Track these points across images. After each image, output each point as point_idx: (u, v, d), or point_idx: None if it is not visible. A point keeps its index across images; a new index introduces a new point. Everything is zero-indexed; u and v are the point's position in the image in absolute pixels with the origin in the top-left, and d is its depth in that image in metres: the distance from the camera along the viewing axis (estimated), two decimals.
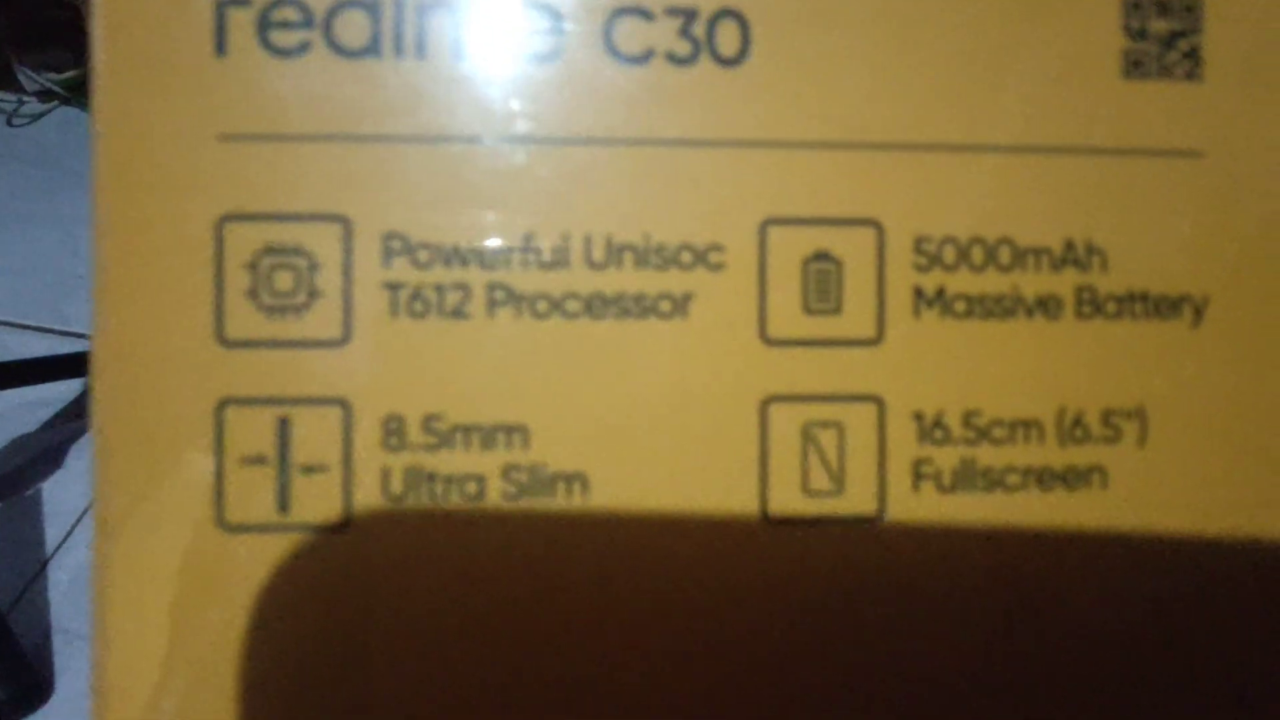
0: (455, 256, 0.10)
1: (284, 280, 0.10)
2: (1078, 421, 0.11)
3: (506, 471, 0.10)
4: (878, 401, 0.11)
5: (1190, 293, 0.11)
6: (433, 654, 0.10)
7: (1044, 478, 0.11)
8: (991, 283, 0.11)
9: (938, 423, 0.11)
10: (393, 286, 0.10)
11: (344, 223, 0.10)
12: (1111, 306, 0.11)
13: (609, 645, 0.11)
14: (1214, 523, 0.11)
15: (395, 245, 0.10)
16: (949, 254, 0.11)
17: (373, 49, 0.10)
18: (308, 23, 0.10)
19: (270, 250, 0.10)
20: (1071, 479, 0.11)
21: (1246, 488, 0.11)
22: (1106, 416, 0.11)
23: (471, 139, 0.10)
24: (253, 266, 0.10)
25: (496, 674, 0.10)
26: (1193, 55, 0.11)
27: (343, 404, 0.10)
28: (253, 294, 0.10)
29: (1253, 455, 0.11)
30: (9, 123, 0.75)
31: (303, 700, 0.10)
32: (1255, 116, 0.11)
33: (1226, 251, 0.11)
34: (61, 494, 0.66)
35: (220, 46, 0.10)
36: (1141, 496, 0.11)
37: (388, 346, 0.10)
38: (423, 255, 0.10)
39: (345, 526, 0.10)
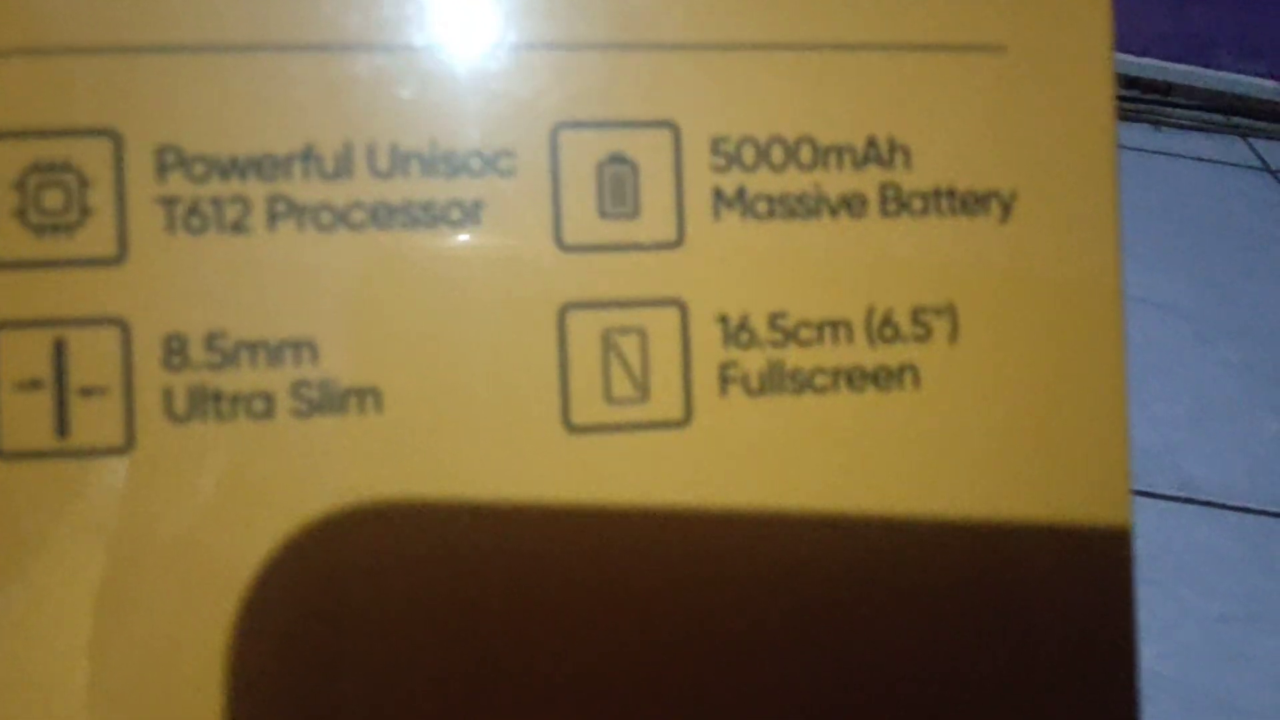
0: (233, 169, 0.10)
1: (53, 198, 0.10)
2: (887, 320, 0.11)
3: (295, 388, 0.10)
4: (680, 305, 0.11)
5: (997, 188, 0.11)
6: (219, 570, 0.10)
7: (854, 378, 0.11)
8: (793, 182, 0.11)
9: (743, 325, 0.11)
10: (168, 201, 0.10)
11: (114, 137, 0.10)
12: (917, 203, 0.11)
13: (408, 563, 0.10)
14: (1023, 415, 0.11)
15: (169, 159, 0.10)
16: (748, 154, 0.11)
17: None
18: None
19: (37, 167, 0.10)
20: (883, 379, 0.11)
21: (1055, 382, 0.11)
22: (916, 314, 0.11)
23: (245, 48, 0.10)
24: (20, 185, 0.10)
25: (284, 593, 0.10)
26: None
27: (120, 324, 0.10)
28: (21, 213, 0.10)
29: (1061, 348, 0.11)
30: None
31: (91, 623, 0.10)
32: (1057, 9, 0.11)
33: (1032, 146, 0.11)
34: None
35: None
36: (953, 393, 0.11)
37: (165, 263, 0.10)
38: (198, 169, 0.10)
39: (128, 448, 0.10)
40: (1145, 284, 0.85)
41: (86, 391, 0.10)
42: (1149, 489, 0.67)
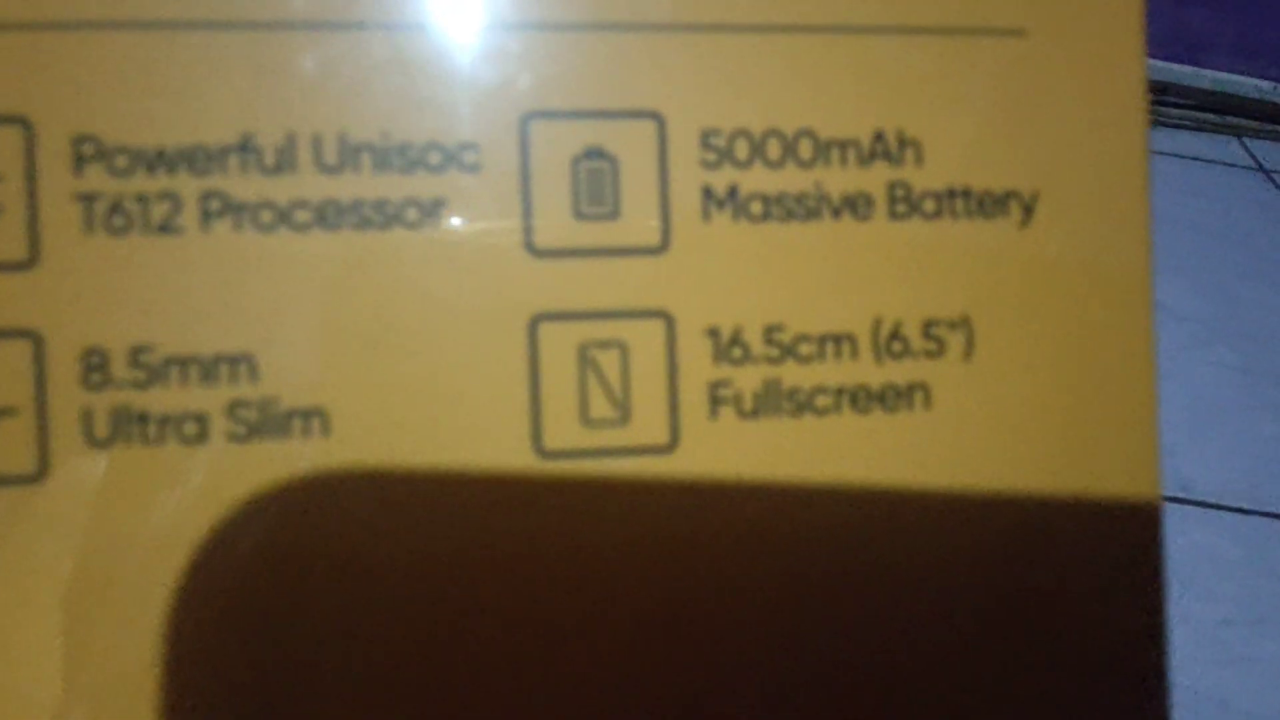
0: (160, 162, 0.09)
1: None
2: (895, 334, 0.10)
3: (232, 409, 0.09)
4: (665, 317, 0.10)
5: (1017, 188, 0.10)
6: (141, 613, 0.09)
7: (859, 398, 0.10)
8: (791, 180, 0.10)
9: (735, 339, 0.10)
10: (86, 198, 0.09)
11: (24, 124, 0.09)
12: (929, 205, 0.10)
13: (361, 607, 0.09)
14: (1045, 442, 0.10)
15: (87, 150, 0.09)
16: (741, 148, 0.10)
17: None
18: None
19: None
20: (890, 399, 0.10)
21: (1079, 401, 0.10)
22: (928, 328, 0.10)
23: (172, 25, 0.09)
24: None
25: (217, 638, 0.09)
26: None
27: (32, 336, 0.09)
28: None
29: (1087, 363, 0.10)
30: None
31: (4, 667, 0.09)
32: None
33: (1056, 141, 0.10)
34: None
35: None
36: (968, 415, 0.10)
37: (84, 269, 0.09)
38: (121, 161, 0.09)
39: (41, 476, 0.09)
40: None
41: None
42: None
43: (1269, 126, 1.18)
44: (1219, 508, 0.66)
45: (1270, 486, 0.69)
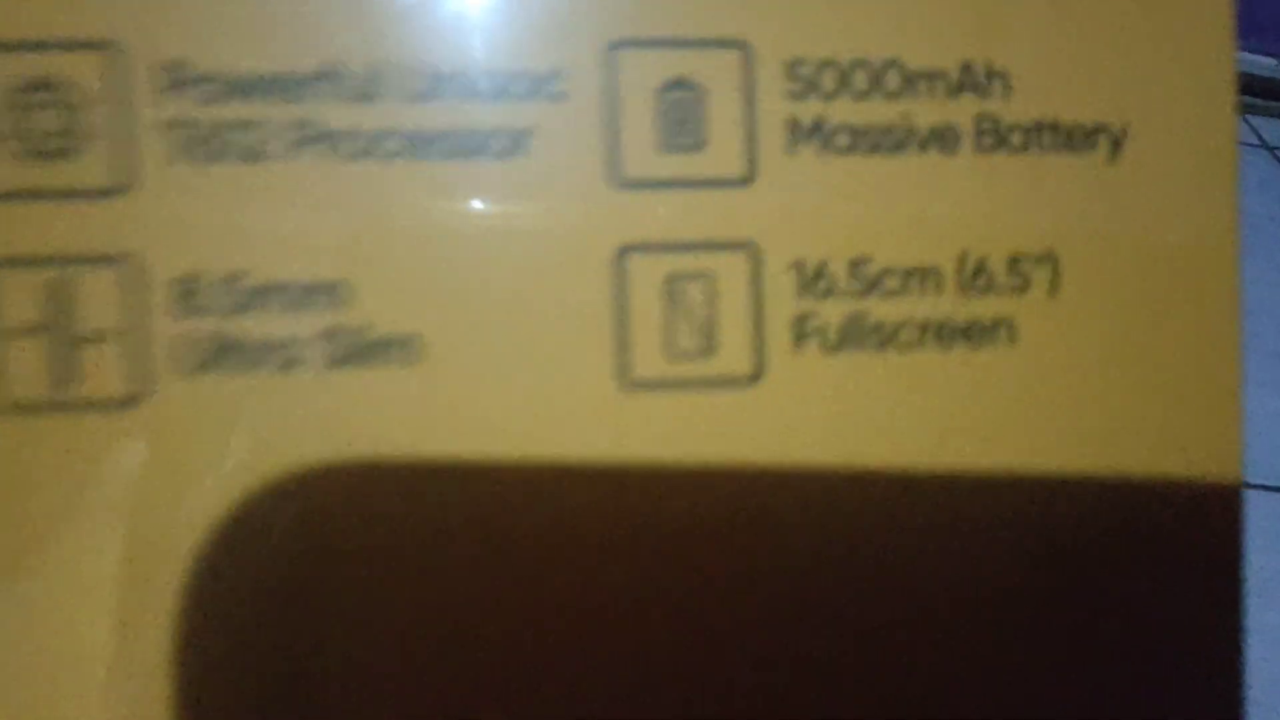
0: (250, 89, 0.09)
1: (46, 120, 0.09)
2: (980, 268, 0.10)
3: (326, 336, 0.09)
4: (751, 249, 0.10)
5: (1107, 122, 0.10)
6: (239, 536, 0.09)
7: (943, 333, 0.10)
8: (878, 112, 0.10)
9: (820, 272, 0.10)
10: (176, 125, 0.09)
11: (114, 50, 0.09)
12: (1016, 138, 0.10)
13: (452, 533, 0.09)
14: (1127, 381, 0.10)
15: (177, 76, 0.09)
16: (828, 79, 0.10)
17: None
18: None
19: (28, 86, 0.09)
20: (974, 334, 0.10)
21: (1165, 340, 0.10)
22: (1013, 263, 0.10)
23: None
24: (9, 105, 0.09)
25: (312, 564, 0.09)
26: None
27: (127, 262, 0.09)
28: (11, 137, 0.09)
29: (1172, 302, 0.10)
30: None
31: (95, 598, 0.09)
32: None
33: (1147, 74, 0.10)
34: None
35: None
36: (1053, 351, 0.10)
37: (175, 195, 0.09)
38: (210, 88, 0.09)
39: (135, 401, 0.09)
40: None
41: (90, 338, 0.09)
42: None
43: (1273, 104, 1.15)
44: None
45: (1271, 460, 0.69)
